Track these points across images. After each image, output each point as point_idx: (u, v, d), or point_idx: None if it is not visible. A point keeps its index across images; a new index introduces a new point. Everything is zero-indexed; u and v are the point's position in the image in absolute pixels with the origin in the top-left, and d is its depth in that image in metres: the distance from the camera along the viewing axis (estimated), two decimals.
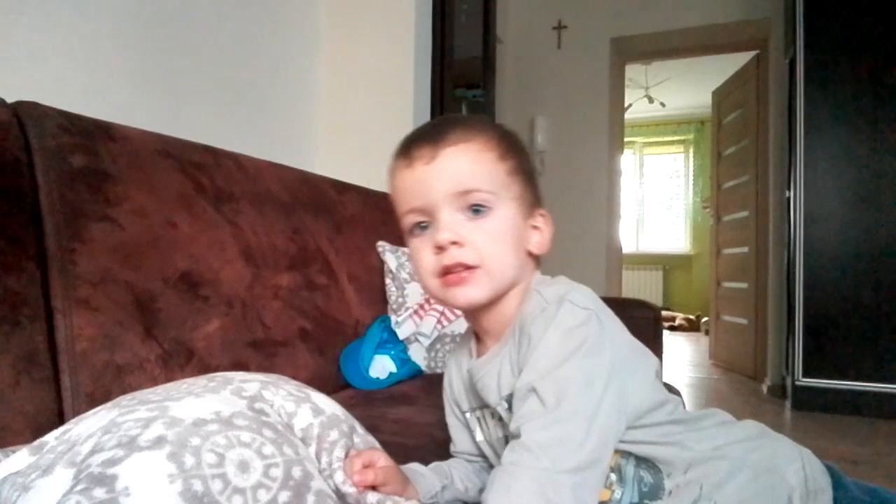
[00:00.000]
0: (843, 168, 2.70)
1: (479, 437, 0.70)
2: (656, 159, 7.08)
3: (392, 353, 1.40)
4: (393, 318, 1.50)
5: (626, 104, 4.15)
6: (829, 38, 2.70)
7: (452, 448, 0.75)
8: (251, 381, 0.60)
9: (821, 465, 0.64)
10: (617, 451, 0.59)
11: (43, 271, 0.77)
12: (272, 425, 0.54)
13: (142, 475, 0.43)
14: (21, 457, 0.50)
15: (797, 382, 2.74)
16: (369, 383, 1.31)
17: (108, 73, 1.27)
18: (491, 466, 0.69)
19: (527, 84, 3.71)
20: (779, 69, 3.18)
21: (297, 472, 0.50)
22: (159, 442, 0.46)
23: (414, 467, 0.67)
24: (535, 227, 0.64)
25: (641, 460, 0.60)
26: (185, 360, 0.91)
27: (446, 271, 0.59)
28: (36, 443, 0.52)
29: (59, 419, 0.75)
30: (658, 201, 7.09)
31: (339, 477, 0.55)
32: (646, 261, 6.84)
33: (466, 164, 0.59)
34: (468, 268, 0.58)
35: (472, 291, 0.59)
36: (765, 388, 3.23)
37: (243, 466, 0.47)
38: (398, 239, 1.76)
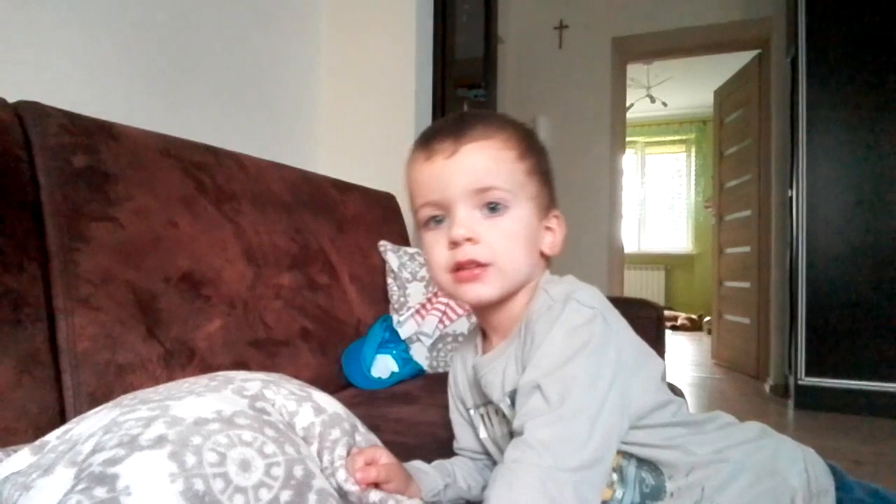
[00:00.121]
0: (846, 167, 2.69)
1: (483, 434, 0.69)
2: (658, 159, 7.07)
3: (394, 352, 1.40)
4: (395, 317, 1.50)
5: (627, 104, 4.15)
6: (830, 38, 2.69)
7: (455, 445, 0.74)
8: (252, 381, 0.60)
9: (824, 466, 0.64)
10: (619, 452, 0.59)
11: (44, 271, 0.77)
12: (274, 424, 0.54)
13: (143, 474, 0.43)
14: (22, 456, 0.50)
15: (800, 382, 2.73)
16: (371, 383, 1.31)
17: (109, 72, 1.27)
18: (494, 464, 0.69)
19: (528, 84, 3.71)
20: (780, 68, 3.18)
21: (298, 471, 0.50)
22: (160, 441, 0.46)
23: (416, 465, 0.67)
24: (549, 229, 0.64)
25: (643, 462, 0.60)
26: (186, 360, 0.91)
27: (459, 267, 0.59)
28: (37, 442, 0.52)
29: (61, 419, 0.75)
30: (660, 201, 7.08)
31: (341, 475, 0.55)
32: (648, 260, 6.83)
33: (486, 161, 0.59)
34: (481, 265, 0.58)
35: (484, 289, 0.59)
36: (767, 388, 3.23)
37: (245, 465, 0.47)
38: (400, 238, 1.76)
